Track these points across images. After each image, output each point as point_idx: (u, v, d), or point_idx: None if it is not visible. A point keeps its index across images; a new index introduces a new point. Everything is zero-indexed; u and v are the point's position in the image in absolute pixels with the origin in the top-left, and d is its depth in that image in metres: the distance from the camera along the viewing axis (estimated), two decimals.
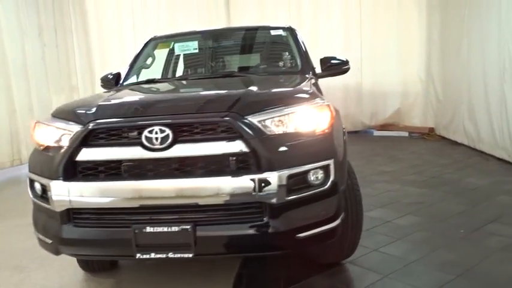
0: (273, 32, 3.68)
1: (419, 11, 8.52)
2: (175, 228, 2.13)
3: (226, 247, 2.22)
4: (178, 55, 3.79)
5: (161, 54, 3.76)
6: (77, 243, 2.28)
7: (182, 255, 2.16)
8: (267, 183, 2.09)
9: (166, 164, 2.17)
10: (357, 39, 9.05)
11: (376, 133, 9.30)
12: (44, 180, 2.27)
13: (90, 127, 2.20)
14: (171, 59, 3.83)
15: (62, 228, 2.27)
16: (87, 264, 2.93)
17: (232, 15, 9.47)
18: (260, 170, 2.10)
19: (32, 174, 2.41)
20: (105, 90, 3.49)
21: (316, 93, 2.48)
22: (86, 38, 9.07)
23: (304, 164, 2.18)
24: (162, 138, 2.12)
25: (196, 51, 3.66)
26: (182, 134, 2.16)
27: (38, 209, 2.43)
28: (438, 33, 8.10)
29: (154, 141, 2.12)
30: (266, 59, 3.69)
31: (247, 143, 2.10)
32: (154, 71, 3.72)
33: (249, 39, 3.81)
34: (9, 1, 7.01)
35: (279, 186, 2.10)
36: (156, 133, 2.13)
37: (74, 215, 2.25)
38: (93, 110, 2.33)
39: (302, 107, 2.29)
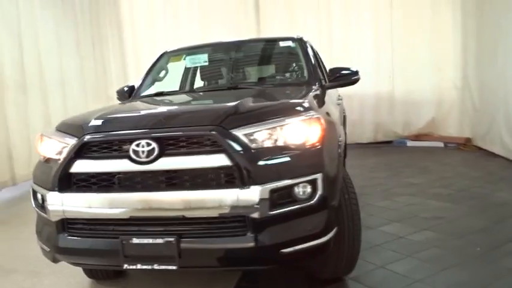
0: (282, 44, 3.68)
1: (454, 15, 8.21)
2: (159, 240, 2.16)
3: (210, 260, 2.23)
4: (189, 68, 3.87)
5: (174, 67, 3.84)
6: (71, 252, 2.36)
7: (167, 267, 2.19)
8: (249, 197, 2.08)
9: (152, 176, 2.21)
10: (388, 46, 8.84)
11: (410, 143, 9.00)
12: (42, 191, 2.38)
13: (83, 140, 2.29)
14: (183, 72, 3.90)
15: (57, 237, 2.36)
16: (91, 272, 3.02)
17: (262, 24, 9.52)
18: (243, 184, 2.09)
19: (34, 185, 2.52)
20: (120, 103, 3.62)
21: (310, 105, 2.44)
22: (121, 48, 9.44)
23: (289, 178, 2.15)
24: (148, 151, 2.17)
25: (206, 64, 3.72)
26: (168, 147, 2.19)
27: (40, 218, 2.54)
28: (474, 39, 7.75)
29: (140, 154, 2.17)
30: (273, 71, 3.69)
31: (230, 156, 2.11)
32: (168, 83, 3.80)
33: (258, 51, 3.83)
34: (48, 16, 7.41)
35: (261, 200, 2.08)
36: (143, 146, 2.17)
37: (68, 225, 2.34)
38: (89, 123, 2.42)
39: (290, 120, 2.26)
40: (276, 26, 9.16)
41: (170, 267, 2.18)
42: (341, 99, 5.17)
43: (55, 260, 2.46)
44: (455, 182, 5.41)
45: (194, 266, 2.28)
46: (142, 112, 2.57)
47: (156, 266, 2.20)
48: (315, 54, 4.22)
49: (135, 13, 9.60)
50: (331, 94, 3.83)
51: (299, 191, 2.19)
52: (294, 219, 2.20)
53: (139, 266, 2.22)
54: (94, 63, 8.85)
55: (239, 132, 2.18)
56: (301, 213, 2.20)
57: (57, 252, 2.39)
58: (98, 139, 2.28)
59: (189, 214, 2.14)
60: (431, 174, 6.05)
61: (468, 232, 3.62)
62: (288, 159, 2.20)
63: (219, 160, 2.12)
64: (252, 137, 2.19)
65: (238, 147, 2.13)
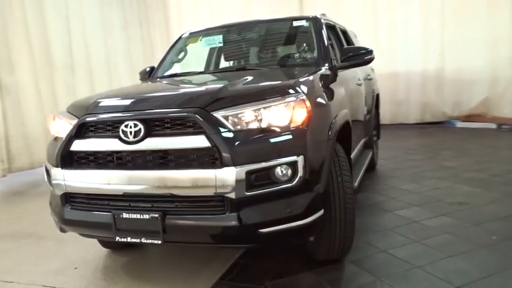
0: (295, 23, 3.61)
1: None
2: (146, 216, 2.29)
3: (192, 237, 2.33)
4: (206, 49, 3.93)
5: (193, 48, 3.92)
6: (73, 224, 2.57)
7: (152, 241, 2.32)
8: (226, 178, 2.14)
9: (139, 156, 2.33)
10: (437, 19, 8.37)
11: (460, 124, 8.56)
12: (49, 167, 2.59)
13: (80, 121, 2.45)
14: (200, 53, 3.98)
15: (62, 210, 2.57)
16: (104, 242, 3.25)
17: (305, 6, 9.34)
18: (221, 165, 2.15)
19: (46, 162, 2.75)
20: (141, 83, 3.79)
21: (298, 87, 2.41)
22: (167, 30, 9.69)
23: (267, 160, 2.18)
24: (135, 132, 2.28)
25: (221, 45, 3.76)
26: (155, 128, 2.30)
27: (51, 192, 2.77)
28: None
29: (128, 134, 2.29)
30: (283, 51, 3.65)
31: (209, 138, 2.17)
32: (187, 64, 3.90)
33: (272, 31, 3.79)
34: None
35: (238, 181, 2.13)
36: (131, 127, 2.29)
37: (70, 198, 2.54)
38: (89, 105, 2.58)
39: (272, 102, 2.27)
40: (321, 3, 8.95)
41: (156, 241, 2.31)
42: (370, 79, 5.02)
43: (62, 230, 2.69)
44: (492, 167, 5.10)
45: (177, 241, 2.39)
46: (136, 94, 2.68)
47: (143, 240, 2.34)
48: (337, 33, 4.11)
49: (183, 7, 9.81)
50: (349, 74, 3.74)
51: (279, 172, 2.21)
52: (273, 200, 2.23)
53: (129, 239, 2.37)
54: (142, 44, 9.18)
55: (220, 114, 2.23)
56: (280, 195, 2.23)
57: (62, 223, 2.60)
58: (93, 120, 2.43)
59: (170, 192, 2.24)
60: (470, 157, 5.74)
61: (489, 220, 3.44)
62: (267, 141, 2.22)
63: (200, 141, 2.19)
64: (232, 119, 2.23)
65: (217, 129, 2.18)
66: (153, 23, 9.51)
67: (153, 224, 2.27)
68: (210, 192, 2.18)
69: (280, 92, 2.35)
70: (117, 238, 2.39)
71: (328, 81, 2.98)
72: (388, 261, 2.85)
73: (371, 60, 3.40)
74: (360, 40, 8.63)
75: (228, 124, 2.21)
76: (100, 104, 2.55)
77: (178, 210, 2.28)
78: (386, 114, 9.06)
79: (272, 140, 2.22)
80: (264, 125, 2.25)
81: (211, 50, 4.04)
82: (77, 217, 2.52)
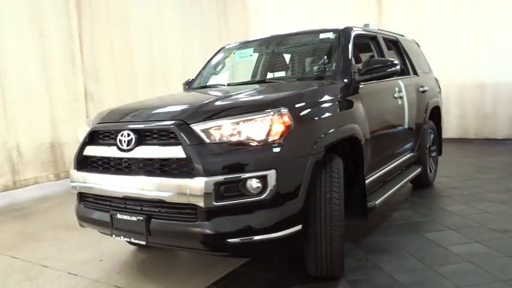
0: (322, 36, 3.59)
1: None
2: (134, 218, 2.51)
3: (172, 241, 2.49)
4: (239, 62, 4.09)
5: (230, 60, 4.11)
6: (86, 220, 2.89)
7: (139, 241, 2.54)
8: (196, 188, 2.26)
9: (133, 162, 2.56)
10: None
11: None
12: (71, 169, 2.96)
13: (92, 129, 2.77)
14: (233, 66, 4.14)
15: (78, 207, 2.92)
16: None
17: (384, 8, 9.03)
18: (194, 175, 2.29)
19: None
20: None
21: (281, 102, 2.46)
22: (246, 34, 10.06)
23: (237, 173, 2.26)
24: (128, 141, 2.52)
25: (251, 57, 3.89)
26: (145, 138, 2.51)
27: None
28: None
29: (123, 143, 2.54)
30: (304, 64, 3.64)
31: (184, 149, 2.32)
32: (222, 76, 4.10)
33: (299, 44, 3.80)
34: (177, 15, 8.41)
35: (207, 191, 2.24)
36: (125, 136, 2.54)
37: (83, 197, 2.87)
38: (102, 115, 2.89)
39: (248, 117, 2.35)
40: (400, 5, 8.63)
41: (141, 242, 2.52)
42: (424, 91, 4.73)
43: (81, 225, 3.02)
44: None
45: (159, 243, 2.57)
46: (139, 106, 2.93)
47: (132, 239, 2.57)
48: (378, 44, 3.98)
49: (262, 9, 10.12)
50: (380, 86, 3.62)
51: (250, 185, 2.27)
52: (243, 212, 2.30)
53: (122, 238, 2.62)
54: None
55: (198, 127, 2.36)
56: (251, 207, 2.29)
57: (78, 219, 2.95)
58: (100, 128, 2.74)
59: (152, 198, 2.43)
60: None
61: None
62: (239, 154, 2.30)
63: (177, 152, 2.35)
64: (209, 132, 2.35)
65: (192, 141, 2.32)
66: (233, 37, 9.94)
67: (140, 225, 2.48)
68: (184, 200, 2.32)
69: (258, 107, 2.41)
70: (114, 236, 2.65)
71: (333, 94, 2.95)
72: (387, 286, 2.72)
73: (394, 73, 3.27)
74: (437, 49, 8.19)
75: (204, 137, 2.34)
76: (110, 115, 2.85)
77: (161, 215, 2.46)
78: (470, 129, 8.40)
79: (244, 154, 2.30)
80: (239, 138, 2.33)
81: (240, 63, 4.19)
82: (88, 214, 2.83)
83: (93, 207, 2.80)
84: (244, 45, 4.06)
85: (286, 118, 2.37)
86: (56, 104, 6.31)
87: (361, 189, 3.11)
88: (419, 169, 4.58)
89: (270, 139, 2.32)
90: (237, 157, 2.29)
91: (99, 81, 7.00)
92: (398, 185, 3.86)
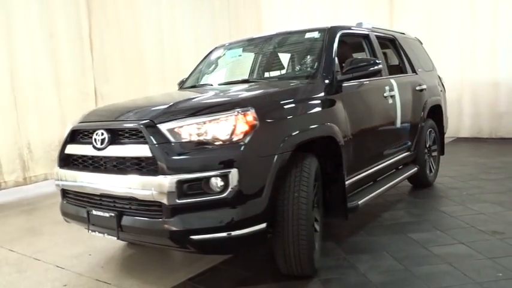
0: (307, 35, 3.59)
1: None
2: (107, 214, 2.60)
3: (141, 237, 2.56)
4: (228, 62, 4.13)
5: (221, 60, 4.17)
6: (68, 216, 2.99)
7: (111, 237, 2.62)
8: (160, 185, 2.33)
9: (107, 161, 2.64)
10: None
11: None
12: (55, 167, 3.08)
13: (72, 128, 2.88)
14: (222, 66, 4.18)
15: (62, 203, 3.03)
16: None
17: (396, 5, 8.90)
18: (158, 173, 2.35)
19: None
20: None
21: (246, 102, 2.51)
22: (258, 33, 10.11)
23: (199, 171, 2.31)
24: (102, 140, 2.61)
25: (240, 57, 3.93)
26: (118, 137, 2.59)
27: None
28: None
29: (97, 141, 2.63)
30: (288, 64, 3.65)
31: (150, 148, 2.38)
32: (214, 76, 4.16)
33: (286, 44, 3.80)
34: (187, 15, 8.53)
35: (170, 189, 2.30)
36: (99, 135, 2.63)
37: (65, 193, 2.98)
38: (84, 115, 2.99)
39: (212, 117, 2.40)
40: (412, 2, 8.50)
41: (113, 237, 2.61)
42: (422, 90, 4.66)
43: (66, 220, 3.14)
44: None
45: (130, 239, 2.65)
46: (117, 106, 3.01)
47: (106, 235, 2.66)
48: (370, 43, 3.95)
49: (274, 10, 10.15)
50: (367, 86, 3.61)
51: (213, 184, 2.32)
52: (205, 209, 2.35)
53: (97, 233, 2.71)
54: None
55: (164, 127, 2.42)
56: (213, 205, 2.33)
57: (62, 214, 3.06)
58: (79, 127, 2.84)
59: (123, 195, 2.51)
60: None
61: (508, 255, 3.00)
62: (201, 153, 2.35)
63: (144, 151, 2.42)
64: (175, 132, 2.41)
65: (158, 140, 2.38)
66: (244, 36, 9.98)
67: (112, 221, 2.57)
68: (150, 197, 2.39)
69: (223, 108, 2.46)
70: (90, 231, 2.75)
71: (307, 94, 2.96)
72: (358, 285, 2.71)
73: (376, 72, 3.25)
74: (450, 48, 8.01)
75: (170, 136, 2.40)
76: (90, 114, 2.95)
77: (132, 211, 2.53)
78: (484, 128, 8.20)
79: (206, 153, 2.35)
80: (203, 138, 2.38)
81: (230, 63, 4.23)
82: (69, 210, 2.95)
83: (74, 203, 2.90)
84: (234, 45, 4.10)
85: (250, 118, 2.40)
86: (65, 103, 6.52)
87: (341, 189, 3.11)
88: (415, 169, 4.52)
89: (233, 139, 2.36)
90: (199, 156, 2.35)
91: (109, 81, 7.19)
92: (386, 186, 3.82)
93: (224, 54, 4.12)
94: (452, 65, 8.21)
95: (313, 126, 2.81)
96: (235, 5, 9.78)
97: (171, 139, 2.39)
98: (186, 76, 4.36)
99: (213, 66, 4.18)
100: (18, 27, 5.97)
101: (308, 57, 3.47)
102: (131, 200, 2.51)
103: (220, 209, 2.34)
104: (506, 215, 3.86)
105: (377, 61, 3.25)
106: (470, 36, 8.12)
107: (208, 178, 2.31)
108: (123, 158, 2.55)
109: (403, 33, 5.19)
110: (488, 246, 3.17)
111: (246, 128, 2.38)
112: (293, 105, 2.76)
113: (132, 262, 3.35)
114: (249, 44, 4.04)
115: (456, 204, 4.26)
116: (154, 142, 2.38)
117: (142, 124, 2.45)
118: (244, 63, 4.02)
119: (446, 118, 5.61)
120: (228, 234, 2.34)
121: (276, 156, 2.47)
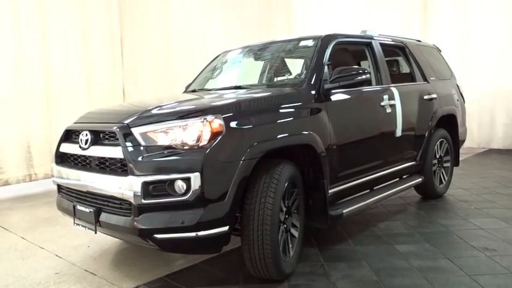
0: (302, 43, 3.64)
1: None
2: (87, 210, 2.80)
3: (116, 232, 2.74)
4: (228, 68, 4.24)
5: (222, 66, 4.29)
6: (61, 209, 3.23)
7: (91, 231, 2.81)
8: (128, 186, 2.49)
9: (89, 160, 2.85)
10: None
11: None
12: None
13: (66, 128, 3.11)
14: (221, 72, 4.29)
15: (57, 197, 3.28)
16: None
17: (430, 8, 8.66)
18: (127, 174, 2.51)
19: None
20: None
21: (214, 109, 2.63)
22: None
23: (163, 174, 2.45)
24: (86, 140, 2.81)
25: (240, 63, 4.03)
26: (99, 138, 2.79)
27: None
28: None
29: (82, 142, 2.84)
30: (277, 71, 3.71)
31: (122, 150, 2.55)
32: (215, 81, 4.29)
33: (281, 51, 3.86)
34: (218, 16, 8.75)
35: (136, 189, 2.45)
36: (84, 136, 2.83)
37: (60, 188, 3.22)
38: (80, 116, 3.22)
39: (181, 122, 2.53)
40: (446, 6, 8.27)
41: (92, 231, 2.80)
42: (431, 99, 4.56)
43: (63, 213, 3.38)
44: None
45: (108, 234, 2.83)
46: (107, 109, 3.21)
47: (87, 229, 2.86)
48: (373, 51, 3.95)
49: (307, 12, 10.17)
50: (359, 95, 3.61)
51: (177, 186, 2.45)
52: (169, 210, 2.48)
53: (80, 227, 2.92)
54: None
55: (137, 131, 2.58)
56: (176, 206, 2.46)
57: (57, 208, 3.31)
58: (71, 128, 3.07)
59: (101, 192, 2.69)
60: None
61: (492, 273, 2.91)
62: (167, 157, 2.48)
63: (117, 152, 2.59)
64: (146, 135, 2.56)
65: (130, 143, 2.55)
66: (274, 34, 10.08)
67: (91, 216, 2.76)
68: (121, 196, 2.56)
69: (191, 114, 2.58)
70: (75, 225, 2.96)
71: (286, 102, 3.02)
72: None
73: (362, 81, 3.26)
74: (484, 56, 7.70)
75: (140, 139, 2.55)
76: (84, 116, 3.18)
77: (108, 208, 2.71)
78: (507, 138, 7.83)
79: (172, 157, 2.48)
80: (171, 142, 2.52)
81: (229, 69, 4.33)
82: (62, 204, 3.18)
83: (65, 198, 3.14)
84: (234, 52, 4.21)
85: (215, 125, 2.51)
86: (94, 102, 6.88)
87: (322, 197, 3.14)
88: (419, 179, 4.42)
89: (199, 144, 2.48)
90: (165, 159, 2.48)
91: (138, 82, 7.53)
92: (378, 196, 3.78)
93: (226, 60, 4.24)
94: (485, 73, 7.90)
95: (286, 135, 2.86)
96: (267, 7, 9.89)
97: (142, 142, 2.54)
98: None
99: (214, 71, 4.31)
100: (53, 31, 6.41)
101: (300, 65, 3.51)
102: (108, 197, 2.69)
103: (182, 211, 2.46)
104: (507, 232, 3.71)
105: (365, 71, 3.24)
106: (506, 43, 7.77)
107: (172, 180, 2.44)
108: (103, 158, 2.74)
109: (419, 41, 5.09)
110: (472, 263, 3.08)
111: (210, 134, 2.48)
112: (266, 112, 2.83)
113: (122, 256, 3.55)
114: (248, 51, 4.13)
115: (458, 218, 4.14)
116: (126, 144, 2.54)
117: (117, 127, 2.62)
118: (242, 69, 4.12)
119: (465, 128, 5.41)
120: (188, 235, 2.46)
121: (241, 162, 2.55)
